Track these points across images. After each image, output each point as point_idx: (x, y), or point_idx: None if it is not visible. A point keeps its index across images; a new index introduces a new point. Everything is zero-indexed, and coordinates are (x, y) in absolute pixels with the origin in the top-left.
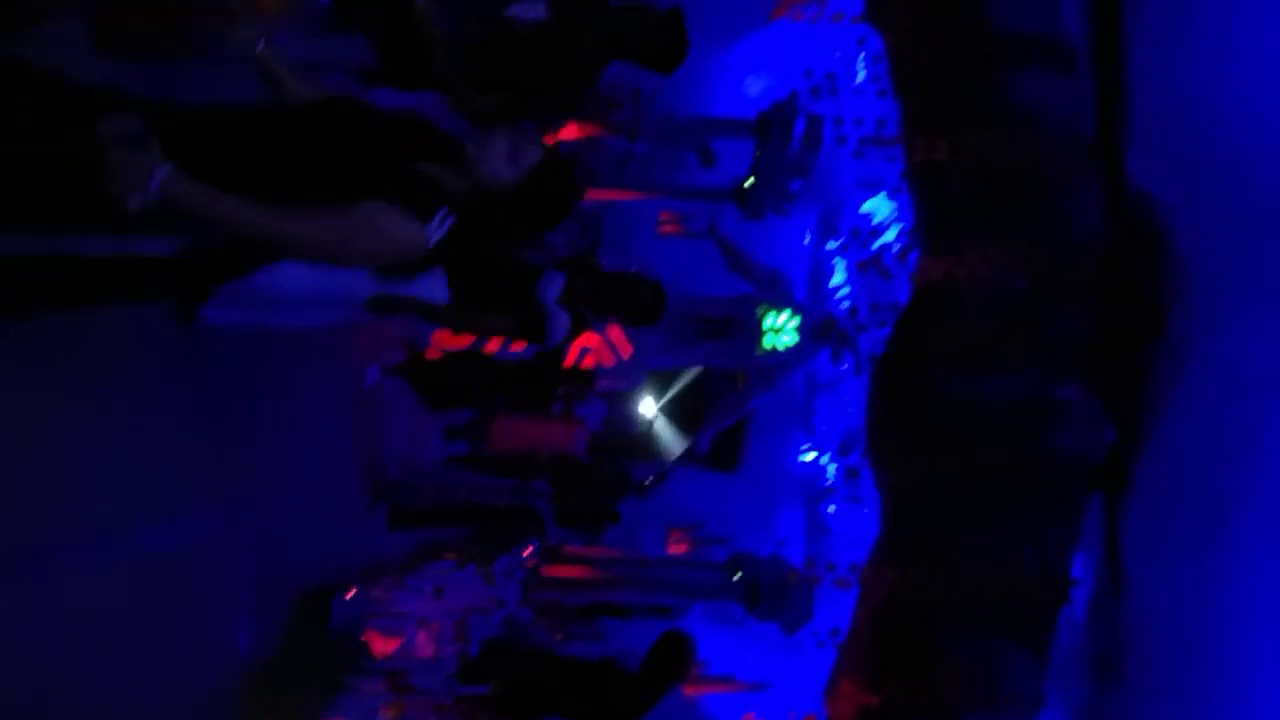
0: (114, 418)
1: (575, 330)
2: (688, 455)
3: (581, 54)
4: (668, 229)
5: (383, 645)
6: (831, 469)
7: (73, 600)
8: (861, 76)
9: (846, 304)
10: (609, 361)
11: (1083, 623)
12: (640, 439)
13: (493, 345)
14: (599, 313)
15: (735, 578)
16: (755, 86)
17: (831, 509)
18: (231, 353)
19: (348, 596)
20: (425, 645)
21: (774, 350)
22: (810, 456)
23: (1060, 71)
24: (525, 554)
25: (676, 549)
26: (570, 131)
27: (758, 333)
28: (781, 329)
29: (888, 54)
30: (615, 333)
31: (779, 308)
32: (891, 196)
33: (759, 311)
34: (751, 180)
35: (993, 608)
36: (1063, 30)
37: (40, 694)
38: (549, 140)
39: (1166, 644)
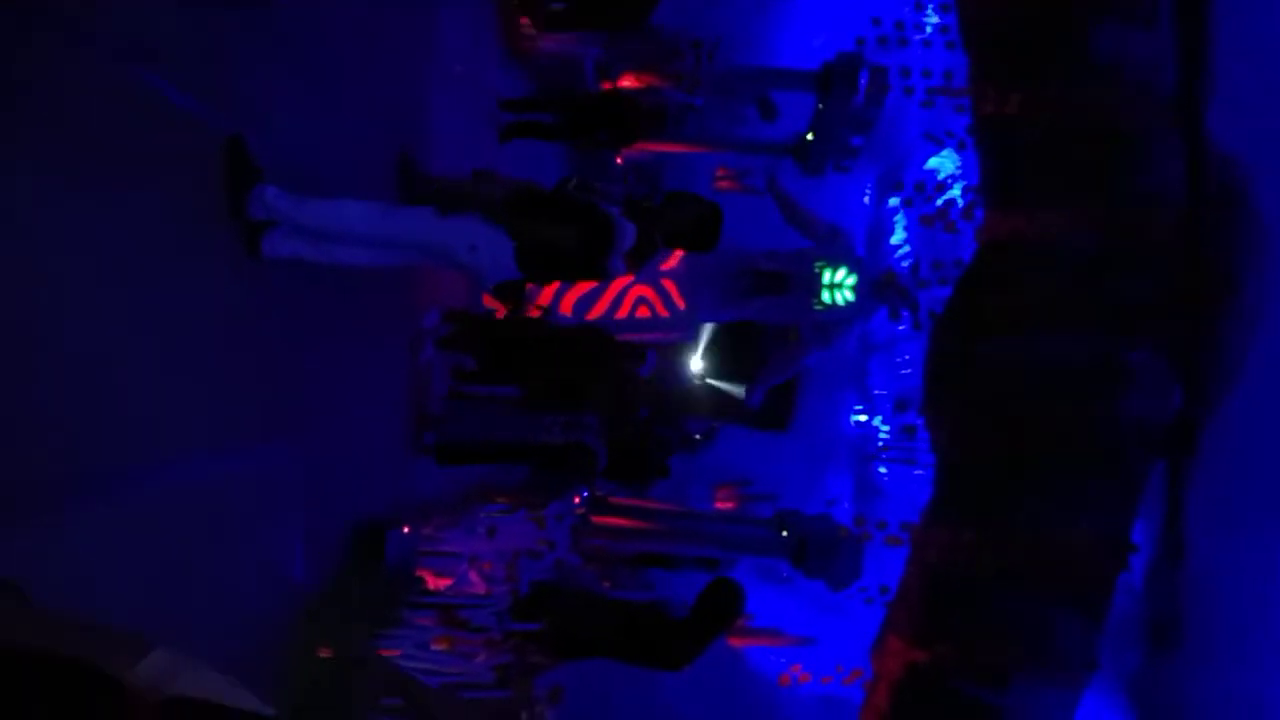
0: (180, 342)
1: (640, 253)
2: (738, 412)
3: None
4: (724, 184)
5: (436, 581)
6: (884, 430)
7: (128, 518)
8: (931, 26)
9: (907, 262)
10: (663, 313)
11: (1140, 589)
12: (691, 394)
13: (546, 296)
14: (658, 227)
15: (783, 534)
16: (819, 37)
17: (883, 470)
18: (297, 287)
19: (404, 531)
20: (477, 583)
21: (831, 306)
22: (863, 418)
23: (1141, 24)
24: (576, 501)
25: (724, 505)
26: (629, 80)
27: (815, 288)
28: (840, 285)
29: (958, 4)
30: (670, 284)
31: (837, 263)
32: (958, 151)
33: (817, 266)
34: (812, 135)
35: (1047, 571)
36: None
37: (100, 609)
38: (608, 88)
39: (1226, 614)
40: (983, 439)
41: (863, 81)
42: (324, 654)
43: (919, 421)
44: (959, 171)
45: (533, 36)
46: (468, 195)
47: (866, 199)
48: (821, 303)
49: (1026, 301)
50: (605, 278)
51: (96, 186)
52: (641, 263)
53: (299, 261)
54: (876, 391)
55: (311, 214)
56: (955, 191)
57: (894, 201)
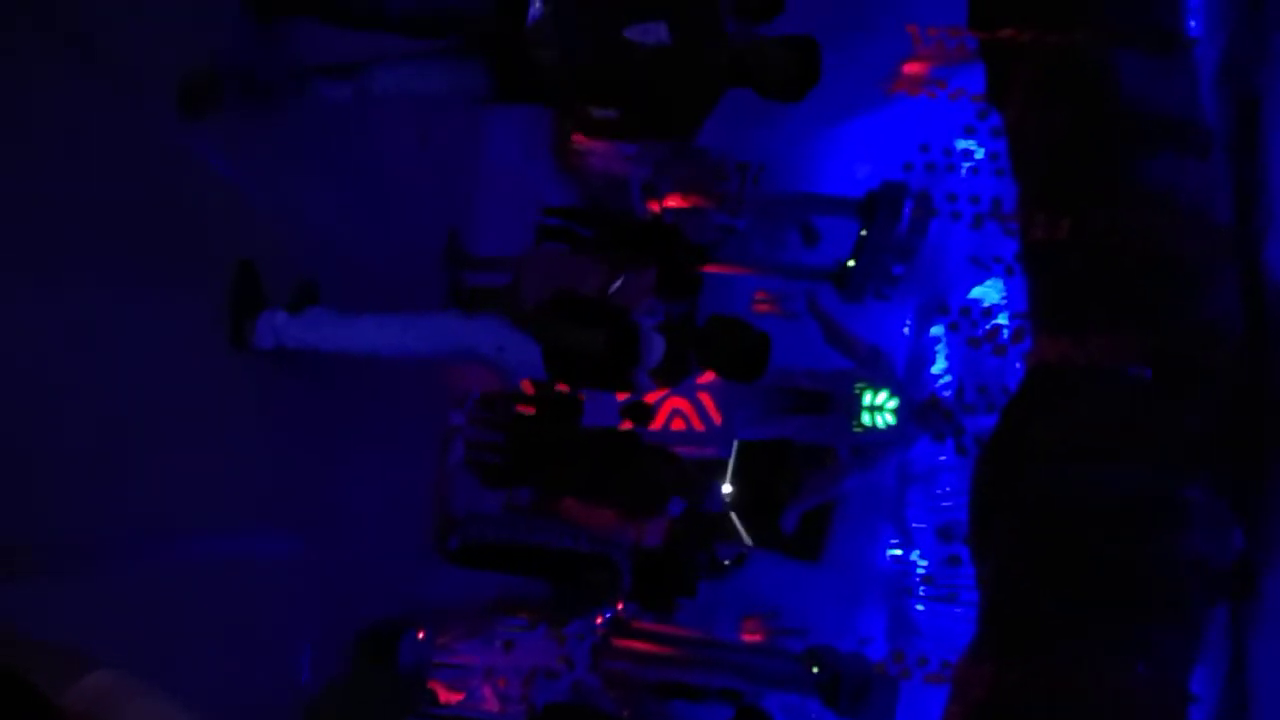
0: (197, 424)
1: (671, 371)
2: (770, 537)
3: (703, 74)
4: (763, 308)
5: (448, 694)
6: (922, 564)
7: (125, 590)
8: (980, 153)
9: (949, 391)
10: (699, 426)
11: None
12: (722, 516)
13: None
14: (698, 350)
15: (814, 670)
16: (865, 163)
17: (920, 607)
18: (326, 379)
19: (419, 636)
20: (491, 699)
21: (872, 428)
22: (898, 552)
23: (1196, 155)
24: (598, 621)
25: (751, 637)
26: (675, 201)
27: (856, 409)
28: (881, 407)
29: (1008, 132)
30: (706, 397)
31: (879, 386)
32: (1005, 277)
33: (857, 388)
34: (853, 261)
35: (1099, 718)
36: (1200, 113)
37: None
38: (654, 207)
39: None
40: (1031, 573)
41: (907, 210)
42: None
43: (964, 552)
44: (1004, 300)
45: (583, 153)
46: (498, 295)
47: (907, 329)
48: (861, 425)
49: (1076, 430)
50: (633, 390)
51: (123, 251)
52: (672, 381)
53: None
54: (915, 525)
55: (325, 338)
56: (1002, 319)
57: (936, 330)
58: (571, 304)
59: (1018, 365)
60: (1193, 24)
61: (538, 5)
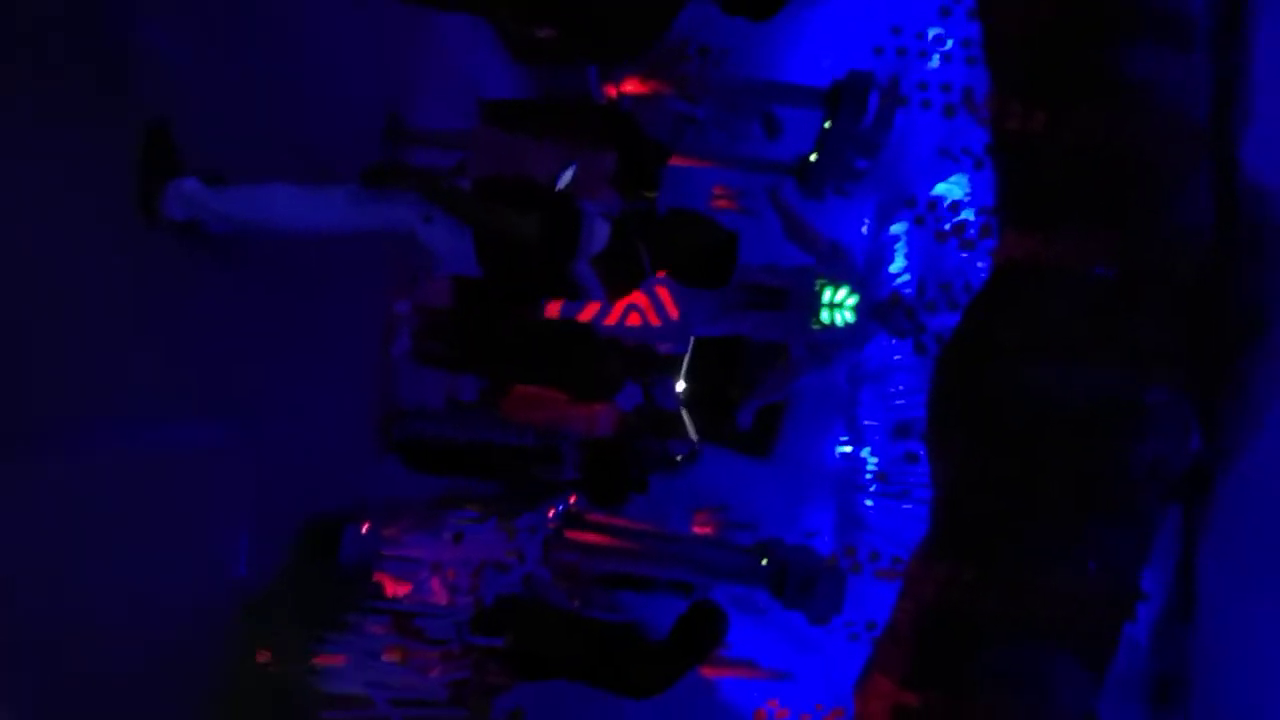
0: (126, 305)
1: (621, 270)
2: (723, 432)
3: None
4: (721, 203)
5: (394, 586)
6: (873, 461)
7: (67, 487)
8: (952, 39)
9: (909, 290)
10: (655, 321)
11: (1146, 643)
12: (675, 412)
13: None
14: (655, 247)
15: (763, 562)
16: (831, 52)
17: (869, 503)
18: (260, 260)
19: (363, 530)
20: (439, 591)
21: (830, 325)
22: (848, 449)
23: (1176, 47)
24: (549, 514)
25: (701, 530)
26: (632, 85)
27: (814, 306)
28: (840, 304)
29: (984, 16)
30: (663, 291)
31: (839, 282)
32: (973, 171)
33: (817, 285)
34: (816, 155)
35: (1049, 617)
36: (1185, 2)
37: (30, 584)
38: (611, 92)
39: (1237, 676)
40: (989, 472)
41: (873, 101)
42: (262, 657)
43: (920, 450)
44: (970, 195)
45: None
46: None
47: (865, 227)
48: (820, 322)
49: (1041, 330)
50: (573, 293)
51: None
52: (622, 285)
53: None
54: (866, 422)
55: (235, 204)
56: (968, 214)
57: (896, 229)
58: (507, 185)
59: (980, 264)
60: None
61: None
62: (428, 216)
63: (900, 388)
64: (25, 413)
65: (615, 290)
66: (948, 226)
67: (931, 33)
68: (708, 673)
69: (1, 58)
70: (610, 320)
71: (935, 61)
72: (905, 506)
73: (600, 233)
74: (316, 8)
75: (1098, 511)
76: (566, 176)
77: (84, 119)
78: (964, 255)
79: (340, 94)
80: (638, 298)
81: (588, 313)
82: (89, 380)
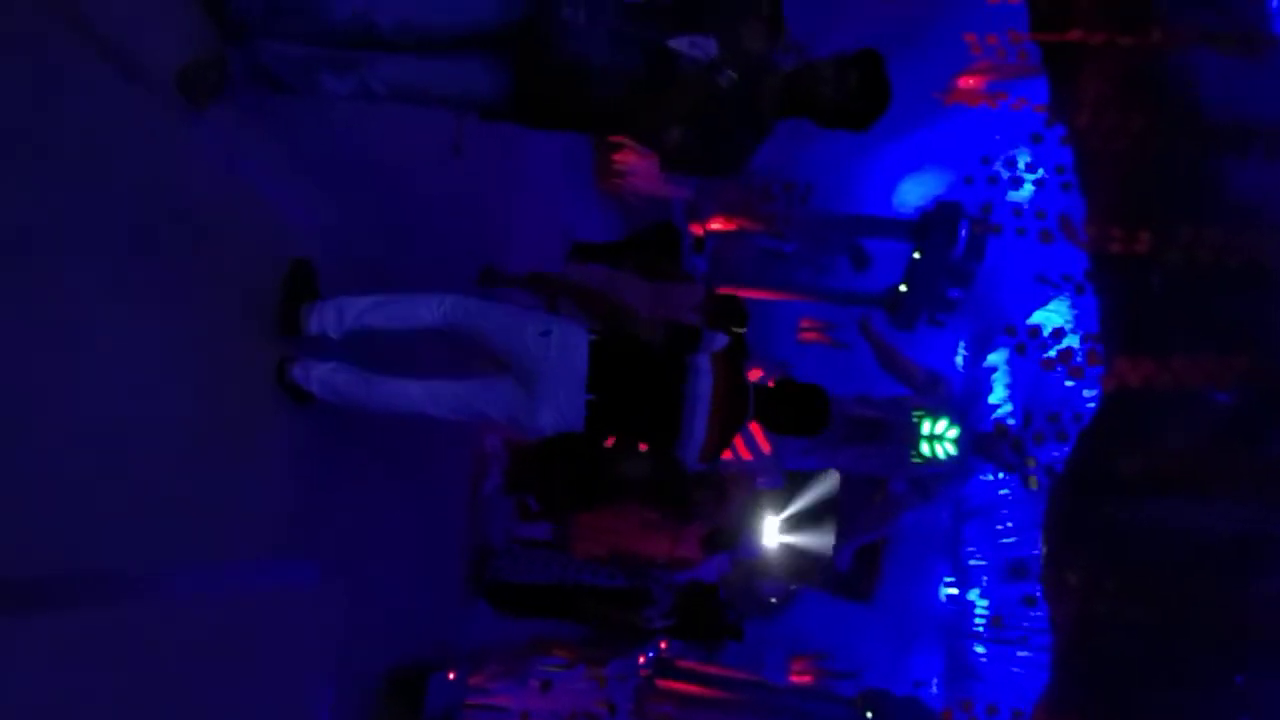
0: (232, 445)
1: (735, 389)
2: (821, 575)
3: (754, 103)
4: (810, 335)
5: None
6: (982, 605)
7: (150, 631)
8: (1041, 170)
9: (1014, 421)
10: (746, 456)
11: None
12: (770, 551)
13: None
14: (757, 404)
15: (868, 716)
16: (917, 185)
17: (981, 650)
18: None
19: (449, 677)
20: None
21: (932, 459)
22: (955, 591)
23: None
24: (640, 661)
25: (800, 679)
26: (719, 223)
27: (914, 439)
28: (941, 436)
29: (1076, 142)
30: (755, 425)
31: (938, 413)
32: (1074, 296)
33: (915, 416)
34: (906, 286)
35: None
36: None
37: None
38: (697, 230)
39: None
40: (1117, 616)
41: (963, 232)
42: None
43: (1037, 591)
44: (1073, 321)
45: (624, 173)
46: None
47: (961, 356)
48: (920, 455)
49: (1162, 460)
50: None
51: (128, 251)
52: (730, 407)
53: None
54: (973, 562)
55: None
56: (1073, 340)
57: (994, 358)
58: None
59: (1087, 394)
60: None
61: (574, 10)
62: (546, 331)
63: (1009, 524)
64: (107, 553)
65: (717, 427)
66: (1053, 354)
67: (1022, 160)
68: None
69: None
70: None
71: (1028, 188)
72: (1023, 654)
73: (719, 339)
74: (425, 165)
75: (1241, 657)
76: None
77: (188, 261)
78: (1070, 385)
79: (434, 231)
80: None
81: None
82: (174, 518)
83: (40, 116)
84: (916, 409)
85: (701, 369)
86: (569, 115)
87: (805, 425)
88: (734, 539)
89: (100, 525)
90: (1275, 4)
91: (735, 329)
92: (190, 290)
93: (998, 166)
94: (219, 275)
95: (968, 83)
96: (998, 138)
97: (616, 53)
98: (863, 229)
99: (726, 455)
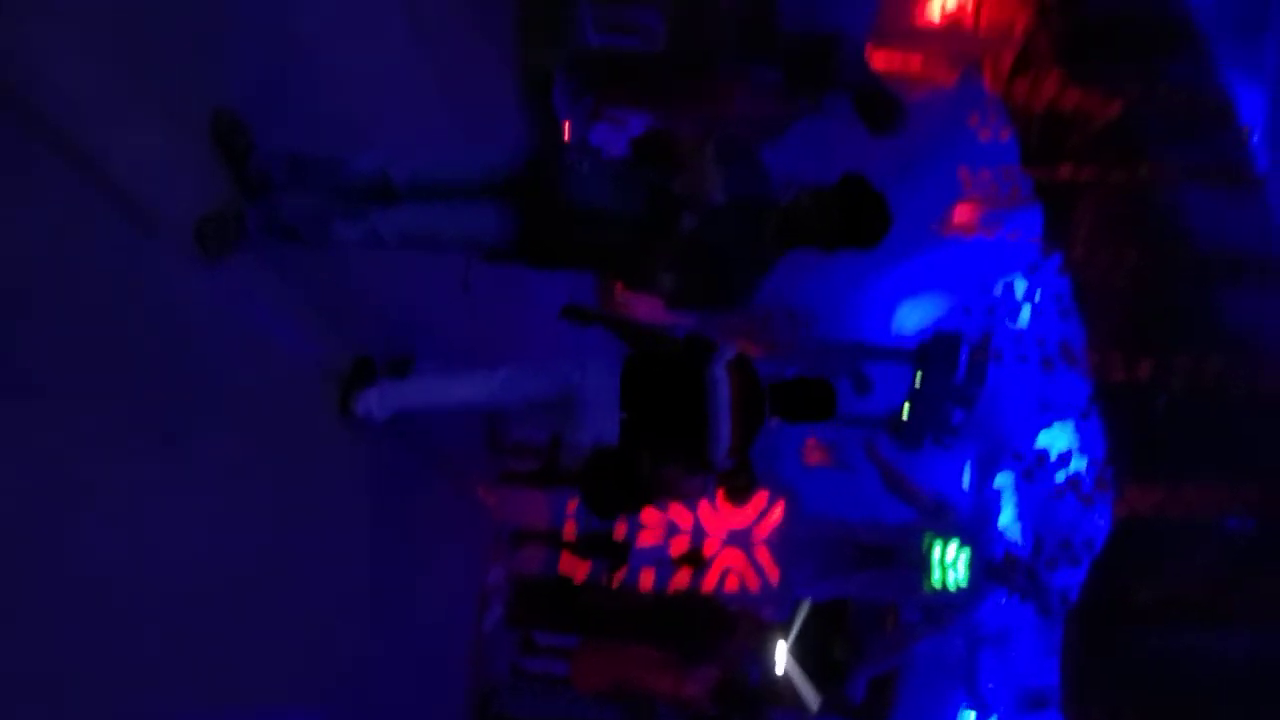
0: (233, 594)
1: (750, 393)
2: (835, 706)
3: (758, 239)
4: (815, 457)
5: None
6: None
7: None
8: (1039, 295)
9: (1024, 546)
10: (753, 585)
11: None
12: (781, 681)
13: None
14: (771, 401)
15: None
16: (917, 311)
17: None
18: (352, 533)
19: None
20: None
21: (944, 586)
22: None
23: (1277, 291)
24: None
25: None
26: None
27: (925, 565)
28: (954, 563)
29: (1073, 272)
30: (763, 553)
31: (948, 539)
32: (1079, 421)
33: (925, 541)
34: (909, 409)
35: None
36: (1277, 248)
37: None
38: None
39: None
40: None
41: (963, 358)
42: None
43: None
44: (1079, 446)
45: (626, 303)
46: None
47: (967, 480)
48: (933, 582)
49: (1178, 589)
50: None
51: (134, 403)
52: (747, 405)
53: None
54: (989, 688)
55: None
56: (1080, 464)
57: (1001, 481)
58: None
59: (1098, 518)
60: (1259, 160)
61: (580, 157)
62: (581, 364)
63: (1026, 652)
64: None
65: (740, 424)
66: (1062, 480)
67: (1020, 288)
68: None
69: None
70: (708, 585)
71: (1026, 316)
72: None
73: (731, 349)
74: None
75: None
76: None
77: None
78: (1081, 509)
79: None
80: (736, 559)
81: (682, 578)
82: (175, 664)
83: (58, 265)
84: (926, 534)
85: (719, 378)
86: (571, 257)
87: (816, 411)
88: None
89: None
90: (1256, 141)
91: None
92: (204, 436)
93: (996, 294)
94: (235, 420)
95: (963, 214)
96: (995, 266)
97: (620, 196)
98: (864, 355)
99: (732, 585)
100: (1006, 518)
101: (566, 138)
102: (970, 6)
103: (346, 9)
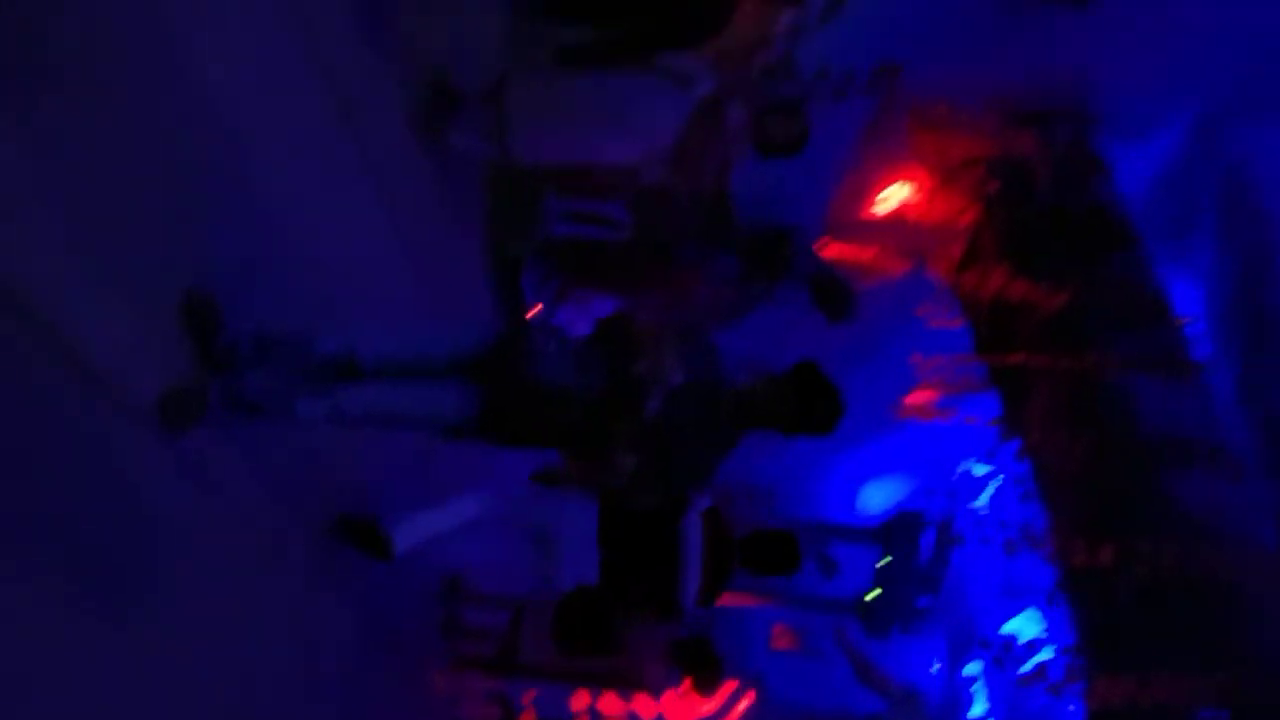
0: None
1: (720, 548)
2: None
3: (717, 423)
4: (782, 643)
5: None
6: None
7: None
8: (1000, 479)
9: None
10: None
11: None
12: None
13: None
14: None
15: None
16: (880, 492)
17: None
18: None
19: None
20: None
21: None
22: None
23: (1229, 477)
24: None
25: None
26: None
27: None
28: None
29: (1030, 457)
30: None
31: None
32: (1046, 607)
33: None
34: (875, 593)
35: None
36: (1223, 435)
37: None
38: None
39: None
40: None
41: (927, 540)
42: None
43: None
44: (1047, 632)
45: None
46: None
47: (936, 667)
48: None
49: None
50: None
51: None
52: (716, 562)
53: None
54: None
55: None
56: (1047, 653)
57: (971, 669)
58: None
59: (1071, 707)
60: (1200, 349)
61: (545, 338)
62: (562, 504)
63: None
64: None
65: (710, 573)
66: (1030, 669)
67: (979, 472)
68: None
69: None
70: None
71: (986, 499)
72: None
73: (704, 501)
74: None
75: None
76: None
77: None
78: (1052, 699)
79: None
80: None
81: None
82: None
83: (16, 434)
84: None
85: (692, 524)
86: (533, 437)
87: (782, 565)
88: None
89: None
90: (1191, 331)
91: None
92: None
93: (956, 477)
94: (190, 591)
95: (919, 399)
96: (955, 450)
97: (582, 377)
98: (827, 536)
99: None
100: (979, 707)
101: (532, 318)
102: (918, 202)
103: (322, 192)
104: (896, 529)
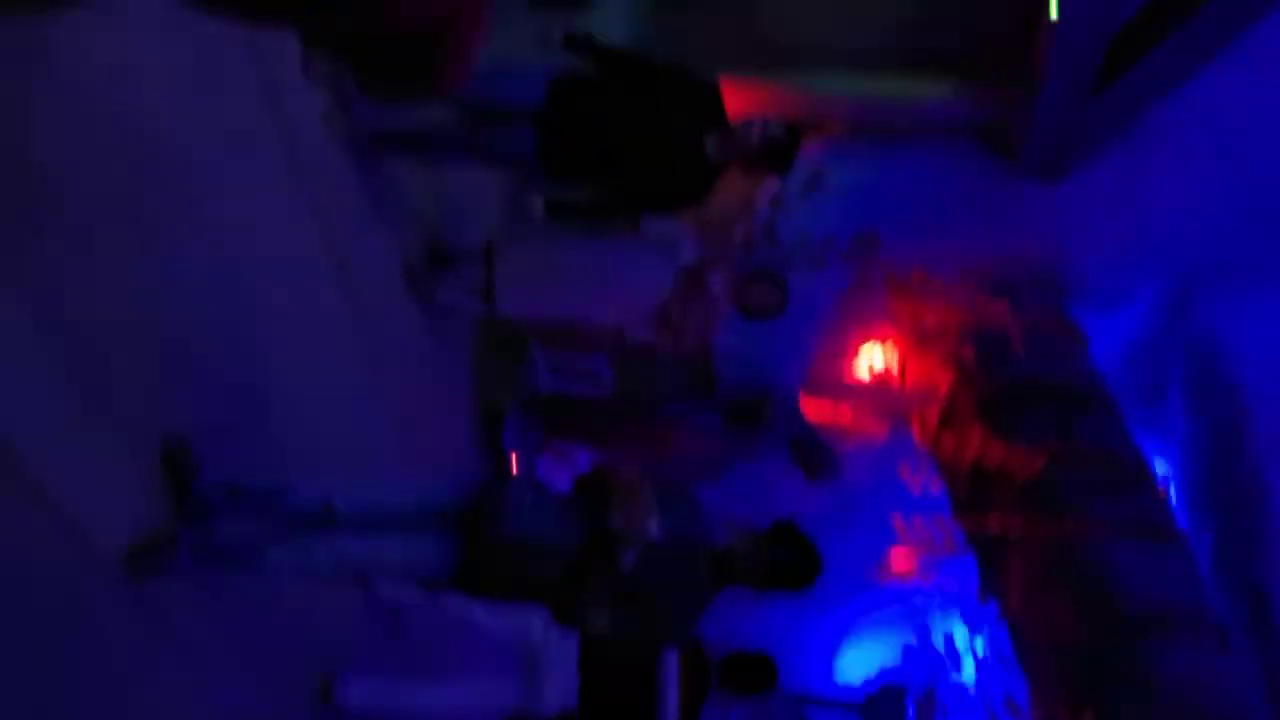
0: None
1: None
2: None
3: (694, 580)
4: None
5: None
6: None
7: None
8: (982, 645)
9: None
10: None
11: None
12: None
13: None
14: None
15: None
16: (860, 657)
17: None
18: None
19: None
20: None
21: None
22: None
23: (1215, 646)
24: None
25: None
26: None
27: None
28: None
29: (1009, 623)
30: None
31: None
32: None
33: None
34: None
35: None
36: (1207, 603)
37: None
38: None
39: None
40: None
41: (910, 712)
42: None
43: None
44: None
45: None
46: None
47: None
48: None
49: None
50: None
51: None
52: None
53: None
54: None
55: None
56: None
57: None
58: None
59: None
60: (1179, 518)
61: (522, 491)
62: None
63: None
64: None
65: (687, 702)
66: None
67: (960, 637)
68: None
69: None
70: None
71: (969, 667)
72: None
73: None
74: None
75: None
76: None
77: None
78: None
79: None
80: None
81: None
82: None
83: None
84: None
85: (669, 655)
86: (507, 589)
87: (759, 685)
88: None
89: None
90: (1173, 499)
91: None
92: None
93: (937, 642)
94: None
95: (899, 560)
96: (936, 613)
97: (559, 531)
98: (809, 707)
99: None
100: None
101: (513, 468)
102: (896, 366)
103: (311, 342)
104: (880, 701)
